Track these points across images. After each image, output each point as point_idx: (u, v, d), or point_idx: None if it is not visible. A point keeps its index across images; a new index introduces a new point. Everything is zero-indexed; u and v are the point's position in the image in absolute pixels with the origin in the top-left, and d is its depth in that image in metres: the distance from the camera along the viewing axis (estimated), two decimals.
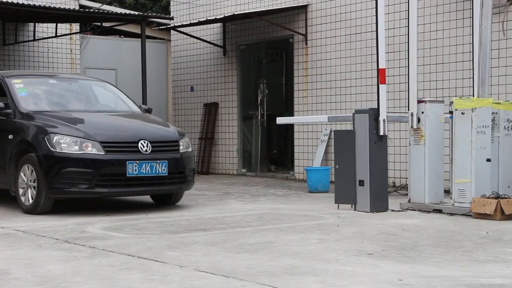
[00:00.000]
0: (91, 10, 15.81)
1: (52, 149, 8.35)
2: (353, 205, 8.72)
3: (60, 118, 8.86)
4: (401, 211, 8.68)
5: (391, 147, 11.35)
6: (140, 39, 14.37)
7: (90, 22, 17.08)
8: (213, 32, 15.58)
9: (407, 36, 9.13)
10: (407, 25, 9.18)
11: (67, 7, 14.65)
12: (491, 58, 9.15)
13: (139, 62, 14.18)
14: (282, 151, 15.56)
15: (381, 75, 8.67)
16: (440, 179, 8.81)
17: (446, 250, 6.03)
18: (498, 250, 6.06)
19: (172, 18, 16.27)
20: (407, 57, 9.16)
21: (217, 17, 13.98)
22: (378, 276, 4.96)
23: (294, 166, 13.92)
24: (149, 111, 10.19)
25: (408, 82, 8.90)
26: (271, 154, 15.63)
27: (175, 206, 9.32)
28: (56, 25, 15.76)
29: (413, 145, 8.79)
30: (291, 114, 13.99)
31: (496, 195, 8.15)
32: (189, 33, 15.40)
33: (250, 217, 8.21)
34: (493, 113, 8.51)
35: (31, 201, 8.53)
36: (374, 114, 8.67)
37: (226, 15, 13.81)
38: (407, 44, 9.09)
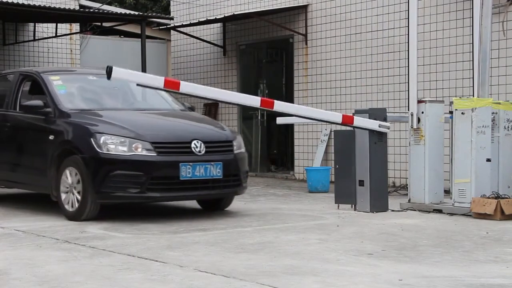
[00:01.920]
0: (91, 10, 15.82)
1: (99, 150, 7.68)
2: (353, 205, 8.72)
3: (105, 116, 8.23)
4: (401, 211, 8.68)
5: (391, 147, 11.35)
6: (140, 39, 14.37)
7: (90, 22, 17.09)
8: (213, 32, 15.58)
9: (407, 36, 9.14)
10: (407, 25, 9.18)
11: (67, 7, 14.65)
12: (491, 58, 9.15)
13: (139, 62, 14.18)
14: (282, 151, 15.56)
15: (345, 120, 8.57)
16: (440, 179, 8.81)
17: (446, 250, 6.02)
18: (498, 250, 6.06)
19: (172, 18, 16.27)
20: (407, 57, 9.16)
21: (217, 17, 13.98)
22: (378, 276, 4.96)
23: (294, 166, 13.92)
24: (192, 109, 9.50)
25: (408, 82, 8.91)
26: (271, 154, 15.63)
27: (174, 206, 9.31)
28: (56, 25, 15.76)
29: (413, 145, 8.79)
30: (291, 114, 13.96)
31: (496, 195, 8.14)
32: (189, 33, 15.40)
33: (250, 217, 8.21)
34: (493, 113, 8.51)
35: (75, 206, 7.89)
36: (374, 114, 8.67)
37: (226, 15, 13.81)
38: (407, 44, 9.09)
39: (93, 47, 17.18)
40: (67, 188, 7.97)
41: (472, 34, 9.09)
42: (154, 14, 21.75)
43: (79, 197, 7.82)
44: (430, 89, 11.24)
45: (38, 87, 8.83)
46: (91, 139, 7.76)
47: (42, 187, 8.47)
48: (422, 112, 8.69)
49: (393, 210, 8.65)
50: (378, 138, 8.60)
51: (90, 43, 17.18)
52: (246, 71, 15.44)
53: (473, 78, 8.98)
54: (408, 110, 8.83)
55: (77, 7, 16.23)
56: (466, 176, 8.27)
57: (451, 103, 8.58)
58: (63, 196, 8.05)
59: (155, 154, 7.67)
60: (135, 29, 16.92)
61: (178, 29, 15.33)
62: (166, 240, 6.57)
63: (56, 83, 8.74)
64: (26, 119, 8.76)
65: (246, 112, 15.28)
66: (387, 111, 9.02)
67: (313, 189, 11.27)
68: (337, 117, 8.62)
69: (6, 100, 9.19)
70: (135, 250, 6.04)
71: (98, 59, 17.09)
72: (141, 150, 7.66)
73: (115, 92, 9.22)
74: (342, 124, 8.62)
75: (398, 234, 6.93)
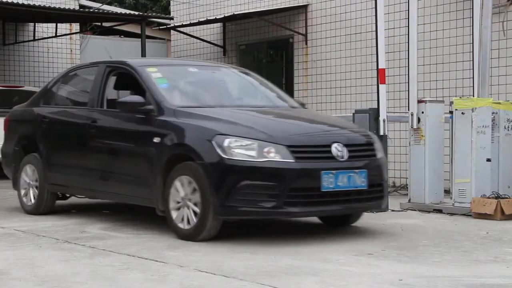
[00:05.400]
0: (91, 10, 15.82)
1: (223, 156, 6.27)
2: None
3: (221, 115, 6.86)
4: (401, 211, 8.68)
5: (391, 147, 11.35)
6: (140, 39, 14.37)
7: (90, 22, 17.10)
8: (213, 32, 15.58)
9: (407, 36, 9.14)
10: (407, 25, 9.18)
11: (67, 7, 14.67)
12: (491, 58, 9.15)
13: None
14: None
15: (380, 75, 8.67)
16: (440, 179, 8.81)
17: (446, 250, 6.03)
18: (498, 250, 6.06)
19: (172, 18, 16.28)
20: (407, 57, 9.16)
21: (217, 17, 13.99)
22: (378, 276, 4.96)
23: None
24: (303, 105, 8.12)
25: (408, 82, 8.91)
26: None
27: None
28: (56, 25, 15.77)
29: (413, 145, 8.79)
30: None
31: (496, 195, 8.14)
32: (189, 33, 15.40)
33: None
34: (493, 113, 8.51)
35: (190, 223, 6.53)
36: (374, 114, 8.67)
37: (226, 15, 13.82)
38: (407, 44, 9.09)
39: (93, 47, 17.18)
40: (179, 201, 6.64)
41: (472, 34, 9.09)
42: (154, 14, 21.77)
43: (195, 213, 6.48)
44: (430, 89, 11.24)
45: (130, 80, 7.54)
46: (213, 142, 6.37)
47: (144, 199, 7.13)
48: (422, 112, 8.69)
49: (393, 210, 8.64)
50: (378, 138, 8.59)
51: (90, 43, 17.19)
52: None
53: (473, 78, 8.98)
54: (408, 110, 8.83)
55: (77, 7, 16.24)
56: (466, 176, 8.27)
57: (451, 103, 8.58)
58: (173, 210, 6.71)
59: (293, 161, 6.28)
60: (135, 29, 16.93)
61: (178, 29, 15.33)
62: (166, 240, 6.57)
63: (155, 76, 7.40)
64: (121, 118, 7.44)
65: None
66: (387, 111, 9.02)
67: None
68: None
69: (90, 96, 7.95)
70: (135, 250, 6.04)
71: (98, 59, 17.07)
72: (274, 155, 6.28)
73: (221, 86, 7.99)
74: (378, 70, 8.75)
75: (398, 234, 6.93)
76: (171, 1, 16.97)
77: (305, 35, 13.47)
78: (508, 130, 8.78)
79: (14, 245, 6.37)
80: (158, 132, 6.87)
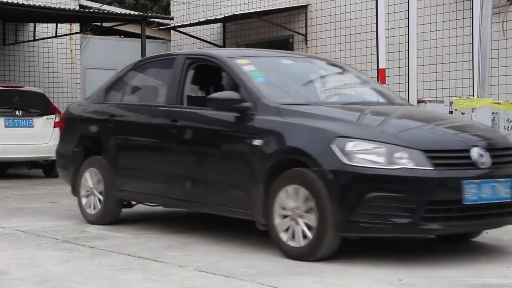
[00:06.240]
0: (91, 10, 15.84)
1: (346, 162, 5.31)
2: None
3: (335, 113, 5.96)
4: None
5: None
6: (140, 39, 14.39)
7: (90, 22, 17.12)
8: (213, 32, 15.59)
9: (407, 36, 9.15)
10: (407, 25, 9.19)
11: (67, 7, 14.69)
12: (491, 58, 9.16)
13: None
14: None
15: (381, 75, 8.68)
16: None
17: (446, 250, 6.03)
18: (498, 250, 6.06)
19: (172, 18, 16.29)
20: (407, 57, 9.18)
21: (217, 17, 14.00)
22: (378, 276, 4.96)
23: None
24: (406, 101, 7.30)
25: (408, 82, 8.91)
26: None
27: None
28: (56, 25, 15.79)
29: None
30: None
31: None
32: (189, 33, 15.41)
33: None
34: (493, 113, 8.52)
35: (304, 240, 5.53)
36: None
37: (226, 15, 13.83)
38: (407, 44, 9.09)
39: (93, 47, 17.19)
40: (287, 214, 5.65)
41: (472, 34, 9.10)
42: (154, 14, 21.78)
43: (309, 227, 5.51)
44: (430, 89, 11.25)
45: (214, 75, 6.82)
46: (332, 145, 5.41)
47: (239, 211, 6.15)
48: None
49: None
50: None
51: (90, 43, 17.20)
52: None
53: (473, 78, 8.99)
54: None
55: (77, 7, 16.26)
56: None
57: (451, 103, 8.58)
58: (279, 224, 5.70)
59: (431, 168, 5.29)
60: (135, 29, 16.94)
61: (178, 29, 15.35)
62: (167, 240, 6.56)
63: (248, 69, 6.43)
64: (208, 117, 6.43)
65: None
66: None
67: None
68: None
69: (168, 91, 6.95)
70: (135, 250, 6.04)
71: (98, 59, 17.12)
72: (407, 162, 5.29)
73: (319, 80, 7.10)
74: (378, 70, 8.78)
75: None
76: (171, 1, 16.98)
77: (305, 35, 13.47)
78: (508, 130, 8.78)
79: (14, 245, 6.37)
80: (259, 133, 5.91)
